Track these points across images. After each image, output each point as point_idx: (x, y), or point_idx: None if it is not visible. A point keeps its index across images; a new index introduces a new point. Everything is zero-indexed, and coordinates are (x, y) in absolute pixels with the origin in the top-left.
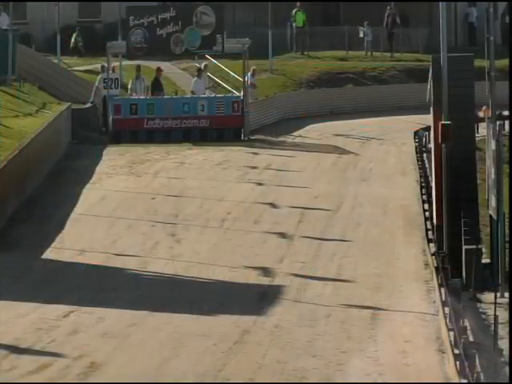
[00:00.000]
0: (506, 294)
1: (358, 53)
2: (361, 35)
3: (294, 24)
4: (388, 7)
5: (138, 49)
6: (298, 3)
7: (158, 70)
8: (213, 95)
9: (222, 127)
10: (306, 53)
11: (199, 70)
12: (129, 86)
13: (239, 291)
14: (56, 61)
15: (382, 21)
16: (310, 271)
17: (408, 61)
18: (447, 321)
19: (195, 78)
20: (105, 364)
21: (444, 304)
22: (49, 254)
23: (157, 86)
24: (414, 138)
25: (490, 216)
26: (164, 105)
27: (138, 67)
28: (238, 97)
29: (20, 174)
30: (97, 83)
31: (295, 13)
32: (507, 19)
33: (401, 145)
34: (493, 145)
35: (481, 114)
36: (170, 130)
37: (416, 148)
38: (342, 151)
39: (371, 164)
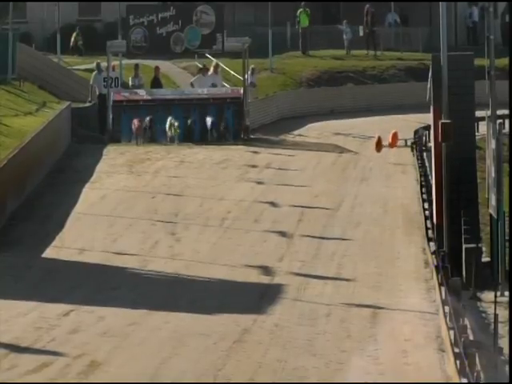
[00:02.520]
0: (506, 293)
1: (358, 51)
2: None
3: (298, 24)
4: (367, 5)
5: (138, 48)
6: (302, 3)
7: (156, 68)
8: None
9: (222, 99)
10: (307, 52)
11: (214, 66)
12: (130, 83)
13: (239, 290)
14: (56, 60)
15: (382, 21)
16: (310, 270)
17: (408, 59)
18: (447, 320)
19: (198, 75)
20: (105, 363)
21: (444, 303)
22: (49, 252)
23: (156, 85)
24: (414, 137)
25: (490, 215)
26: (164, 92)
27: (136, 66)
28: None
29: (20, 173)
30: (91, 82)
31: (300, 13)
32: (507, 18)
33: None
34: (493, 144)
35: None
36: (171, 105)
37: (416, 147)
38: (342, 150)
39: (371, 163)
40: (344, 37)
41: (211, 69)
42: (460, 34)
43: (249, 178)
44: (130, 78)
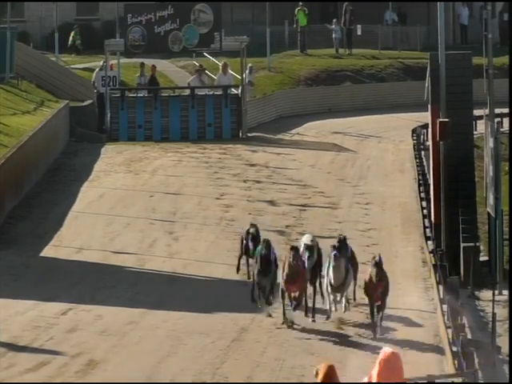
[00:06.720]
0: (504, 292)
1: (357, 50)
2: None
3: (297, 23)
4: (345, 4)
5: (135, 46)
6: (300, 2)
7: (153, 67)
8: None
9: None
10: (305, 51)
11: (222, 66)
12: (136, 82)
13: (237, 289)
14: (54, 59)
15: (381, 20)
16: None
17: (406, 58)
18: (445, 318)
19: (195, 75)
20: (103, 361)
21: (442, 301)
22: (47, 251)
23: (153, 84)
24: (412, 136)
25: (488, 214)
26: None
27: (142, 64)
28: (236, 95)
29: (18, 172)
30: (93, 78)
31: (297, 12)
32: (505, 17)
33: (399, 142)
34: (491, 142)
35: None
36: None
37: (414, 146)
38: (340, 149)
39: (369, 162)
40: (333, 36)
41: (220, 69)
42: (456, 33)
43: (247, 176)
44: (136, 77)
